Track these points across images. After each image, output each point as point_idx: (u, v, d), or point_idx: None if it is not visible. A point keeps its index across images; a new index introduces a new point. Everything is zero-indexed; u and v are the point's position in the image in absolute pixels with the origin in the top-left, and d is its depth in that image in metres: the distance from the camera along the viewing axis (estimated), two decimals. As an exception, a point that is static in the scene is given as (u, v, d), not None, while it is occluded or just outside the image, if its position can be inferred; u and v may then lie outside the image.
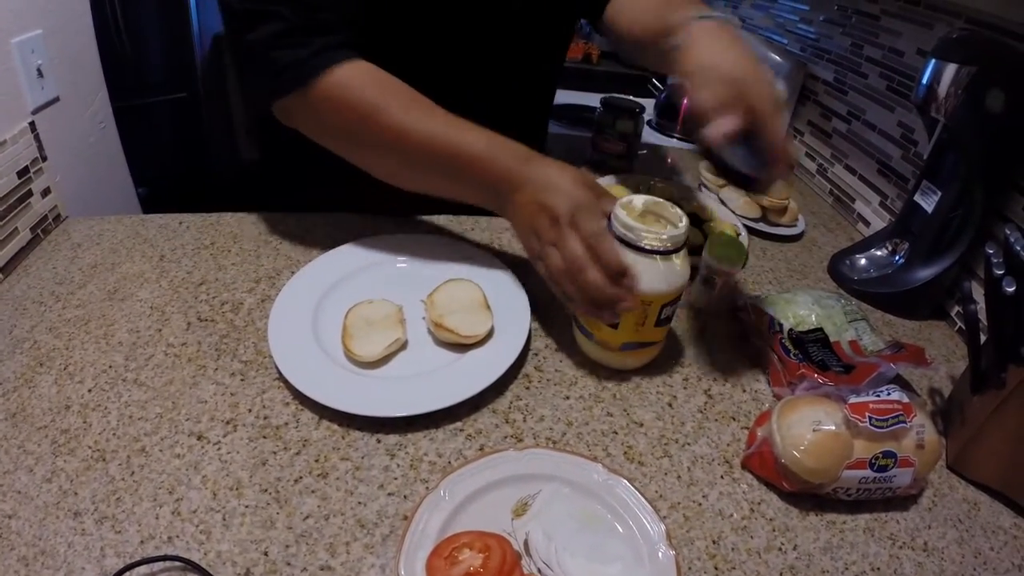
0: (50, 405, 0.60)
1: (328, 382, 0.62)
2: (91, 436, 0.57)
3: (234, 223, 0.89)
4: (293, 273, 0.76)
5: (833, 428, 0.56)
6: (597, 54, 2.61)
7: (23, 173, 0.80)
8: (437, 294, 0.72)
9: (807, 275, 0.96)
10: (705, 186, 1.15)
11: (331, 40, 0.70)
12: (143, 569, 0.47)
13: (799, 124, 1.32)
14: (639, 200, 0.67)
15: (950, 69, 0.77)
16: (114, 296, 0.74)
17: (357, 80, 0.70)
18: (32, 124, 0.83)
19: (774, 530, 0.56)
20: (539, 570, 0.48)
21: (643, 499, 0.54)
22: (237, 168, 2.42)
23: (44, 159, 0.85)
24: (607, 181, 1.07)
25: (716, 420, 0.66)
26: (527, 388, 0.67)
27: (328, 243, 0.84)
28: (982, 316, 0.64)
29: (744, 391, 0.71)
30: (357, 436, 0.60)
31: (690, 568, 0.52)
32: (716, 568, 0.52)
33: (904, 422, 0.57)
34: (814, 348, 0.69)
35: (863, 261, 0.95)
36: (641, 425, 0.65)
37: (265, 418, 0.60)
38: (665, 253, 0.62)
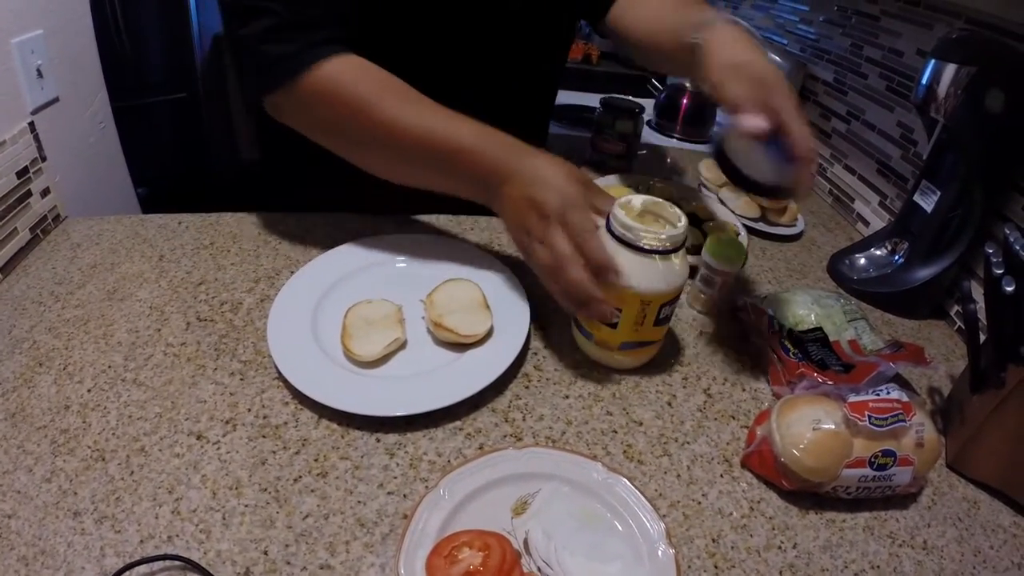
0: (49, 405, 0.60)
1: (327, 382, 0.62)
2: (90, 436, 0.57)
3: (233, 223, 0.89)
4: (292, 273, 0.76)
5: (833, 427, 0.56)
6: (597, 55, 2.62)
7: (22, 173, 0.80)
8: (436, 294, 0.72)
9: (806, 275, 0.96)
10: (704, 186, 1.15)
11: (322, 36, 0.70)
12: (143, 568, 0.47)
13: (798, 124, 1.32)
14: (638, 200, 0.67)
15: (950, 69, 0.77)
16: (113, 296, 0.74)
17: (347, 74, 0.70)
18: (32, 124, 0.83)
19: (774, 528, 0.56)
20: (539, 569, 0.48)
21: (643, 498, 0.54)
22: (237, 168, 2.42)
23: (43, 159, 0.85)
24: (608, 181, 1.07)
25: (715, 419, 0.66)
26: (526, 387, 0.67)
27: (327, 243, 0.84)
28: (981, 315, 0.64)
29: (743, 390, 0.71)
30: (356, 435, 0.60)
31: (690, 566, 0.52)
32: (716, 566, 0.52)
33: (903, 421, 0.57)
34: (813, 347, 0.69)
35: (862, 261, 0.95)
36: (640, 424, 0.65)
37: (264, 417, 0.60)
38: (664, 253, 0.62)
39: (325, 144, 0.75)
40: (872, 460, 0.56)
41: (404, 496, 0.55)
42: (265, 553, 0.49)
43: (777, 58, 1.33)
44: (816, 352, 0.69)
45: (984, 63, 0.75)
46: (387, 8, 0.79)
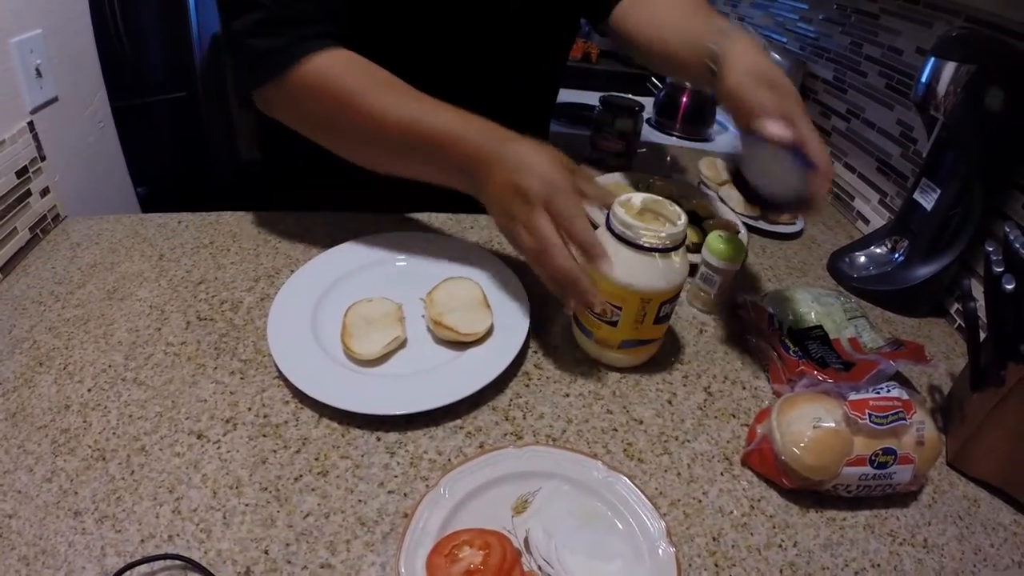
0: (50, 405, 0.60)
1: (328, 380, 0.62)
2: (91, 435, 0.57)
3: (233, 222, 0.89)
4: (292, 272, 0.76)
5: (833, 425, 0.56)
6: (596, 53, 2.61)
7: (22, 173, 0.80)
8: (436, 292, 0.72)
9: (806, 273, 0.96)
10: (704, 184, 1.15)
11: (312, 30, 0.71)
12: (144, 568, 0.47)
13: (798, 122, 1.32)
14: (638, 198, 0.67)
15: (949, 67, 0.77)
16: (113, 295, 0.74)
17: (336, 68, 0.71)
18: (31, 124, 0.83)
19: (774, 527, 0.56)
20: (539, 567, 0.48)
21: (643, 496, 0.54)
22: (236, 167, 2.42)
23: (43, 159, 0.85)
24: (608, 179, 1.07)
25: (716, 417, 0.66)
26: (527, 386, 0.67)
27: (327, 242, 0.84)
28: (981, 313, 0.64)
29: (744, 388, 0.71)
30: (357, 434, 0.60)
31: (690, 565, 0.52)
32: (716, 565, 0.52)
33: (904, 419, 0.57)
34: (814, 345, 0.69)
35: (862, 259, 0.95)
36: (641, 422, 0.65)
37: (265, 416, 0.60)
38: (664, 251, 0.62)
39: (315, 138, 0.75)
40: (872, 458, 0.56)
41: (405, 495, 0.55)
42: (266, 552, 0.49)
43: (776, 56, 1.33)
44: (816, 350, 0.69)
45: (984, 61, 0.75)
46: (387, 6, 0.79)
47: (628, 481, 0.55)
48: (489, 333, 0.69)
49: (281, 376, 0.64)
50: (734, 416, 0.67)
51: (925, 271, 0.87)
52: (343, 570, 0.48)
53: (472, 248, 0.84)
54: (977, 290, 0.81)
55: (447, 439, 0.60)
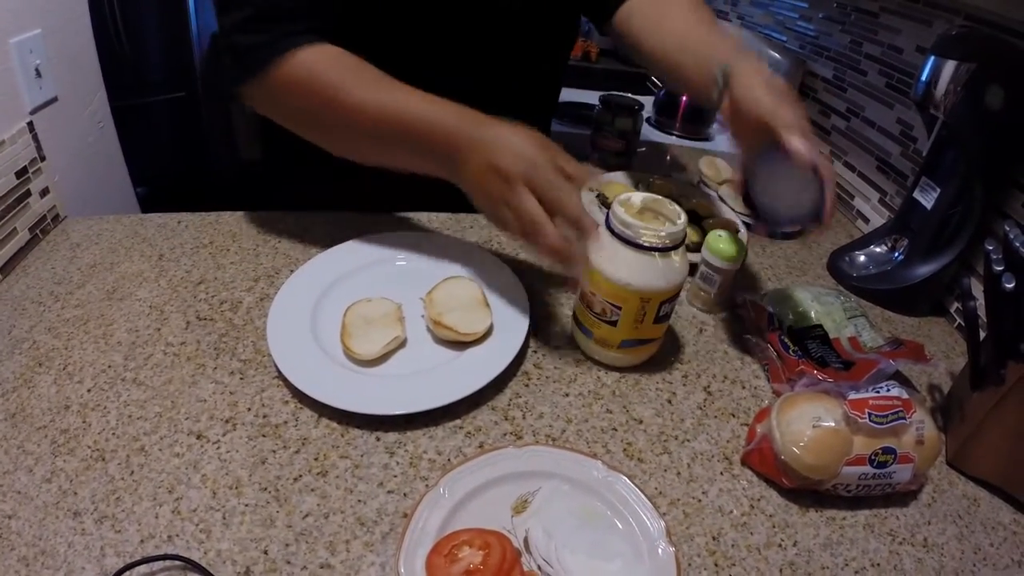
0: (49, 405, 0.60)
1: (327, 380, 0.62)
2: (90, 436, 0.57)
3: (233, 222, 0.89)
4: (292, 272, 0.76)
5: (833, 424, 0.56)
6: (596, 52, 2.61)
7: (22, 173, 0.80)
8: (436, 292, 0.72)
9: (806, 272, 0.96)
10: (704, 183, 1.15)
11: (296, 27, 0.71)
12: (143, 568, 0.47)
13: (798, 121, 1.32)
14: (637, 197, 0.67)
15: (949, 66, 0.77)
16: (113, 296, 0.74)
17: (318, 62, 0.71)
18: (30, 124, 0.83)
19: (774, 526, 0.56)
20: (539, 567, 0.48)
21: (643, 496, 0.54)
22: (236, 167, 2.42)
23: (43, 159, 0.85)
24: (607, 178, 1.07)
25: (715, 417, 0.66)
26: (526, 385, 0.67)
27: (327, 241, 0.84)
28: (981, 312, 0.64)
29: (743, 388, 0.71)
30: (356, 434, 0.60)
31: (690, 564, 0.52)
32: (716, 564, 0.52)
33: (904, 418, 0.57)
34: (813, 344, 0.69)
35: (862, 258, 0.95)
36: (640, 422, 0.65)
37: (264, 417, 0.60)
38: (664, 250, 0.62)
39: (301, 133, 0.76)
40: (872, 458, 0.56)
41: (404, 495, 0.55)
42: (265, 552, 0.49)
43: (776, 54, 1.33)
44: (816, 349, 0.69)
45: (983, 60, 0.75)
46: (388, 6, 0.79)
47: (628, 481, 0.55)
48: (489, 333, 0.69)
49: (280, 376, 0.64)
50: (734, 415, 0.67)
51: (925, 270, 0.87)
52: (343, 570, 0.48)
53: (472, 248, 0.84)
54: (977, 289, 0.81)
55: (447, 439, 0.60)
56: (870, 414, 0.56)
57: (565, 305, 0.79)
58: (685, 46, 0.82)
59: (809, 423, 0.56)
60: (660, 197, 0.67)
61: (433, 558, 0.47)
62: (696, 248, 0.82)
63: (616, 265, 0.63)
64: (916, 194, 0.88)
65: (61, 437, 0.57)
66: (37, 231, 0.82)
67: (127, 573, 0.46)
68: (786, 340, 0.70)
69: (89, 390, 0.62)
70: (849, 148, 1.16)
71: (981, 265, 0.83)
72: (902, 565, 0.54)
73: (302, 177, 0.97)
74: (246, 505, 0.52)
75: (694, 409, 0.67)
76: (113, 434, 0.58)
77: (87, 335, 0.68)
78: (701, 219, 0.95)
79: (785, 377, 0.67)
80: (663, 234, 0.61)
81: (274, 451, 0.57)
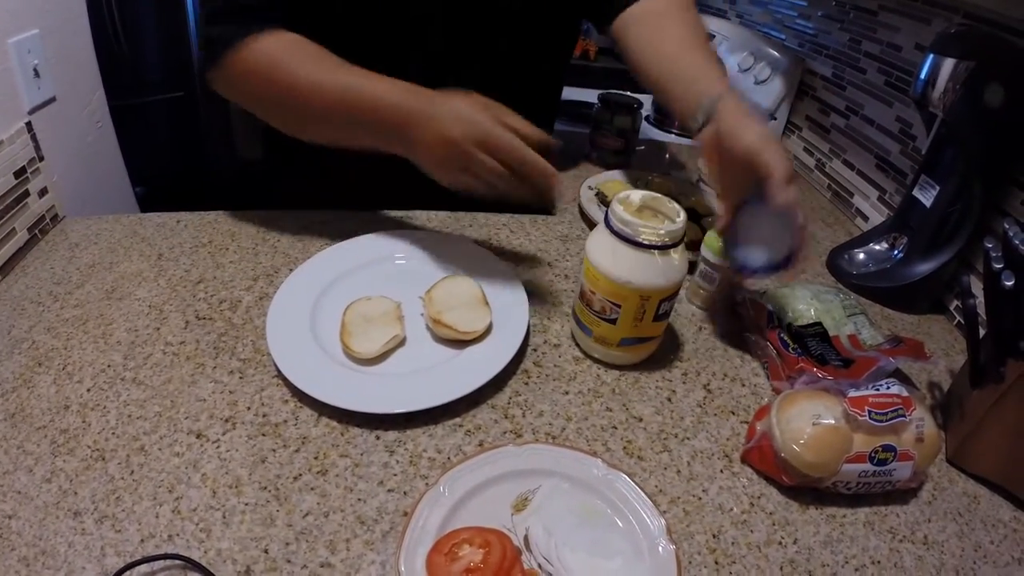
0: (49, 405, 0.60)
1: (327, 379, 0.62)
2: (90, 436, 0.57)
3: (232, 221, 0.89)
4: (291, 271, 0.76)
5: (832, 422, 0.56)
6: (595, 50, 2.61)
7: (20, 173, 0.80)
8: (435, 290, 0.72)
9: (806, 270, 0.96)
10: (703, 181, 1.15)
11: (260, 17, 0.74)
12: (144, 568, 0.47)
13: (797, 120, 1.32)
14: (636, 195, 0.67)
15: (948, 64, 0.77)
16: (112, 295, 0.74)
17: (276, 49, 0.73)
18: (29, 124, 0.83)
19: (774, 524, 0.56)
20: (539, 565, 0.48)
21: (643, 494, 0.54)
22: (235, 167, 2.41)
23: (41, 159, 0.85)
24: (606, 177, 1.07)
25: (715, 414, 0.66)
26: (526, 384, 0.67)
27: (326, 240, 0.84)
28: (981, 310, 0.64)
29: (743, 385, 0.71)
30: (356, 433, 0.60)
31: (690, 562, 0.52)
32: (716, 562, 0.52)
33: (903, 416, 0.57)
34: (813, 342, 0.69)
35: (862, 256, 0.95)
36: (640, 420, 0.65)
37: (264, 416, 0.60)
38: (663, 248, 0.62)
39: (266, 119, 0.79)
40: (872, 455, 0.56)
41: (404, 493, 0.55)
42: (265, 551, 0.49)
43: (775, 53, 1.33)
44: (816, 347, 0.69)
45: (983, 58, 0.75)
46: (384, 5, 0.79)
47: (628, 479, 0.55)
48: (488, 331, 0.69)
49: (280, 375, 0.64)
50: (733, 413, 0.67)
51: (924, 268, 0.87)
52: (343, 569, 0.48)
53: (471, 246, 0.84)
54: (976, 287, 0.81)
55: (446, 437, 0.60)
56: (870, 412, 0.56)
57: (565, 303, 0.79)
58: (674, 71, 0.83)
59: (809, 421, 0.56)
60: (659, 195, 0.67)
61: (433, 556, 0.47)
62: (695, 246, 0.82)
63: (615, 263, 0.63)
64: (915, 192, 0.88)
65: (61, 437, 0.57)
66: (36, 231, 0.82)
67: (127, 573, 0.46)
68: (786, 338, 0.70)
69: (89, 390, 0.62)
70: (848, 146, 1.16)
71: (981, 263, 0.83)
72: (902, 563, 0.54)
73: (301, 176, 0.97)
74: (246, 504, 0.52)
75: (694, 407, 0.67)
76: (113, 434, 0.57)
77: (86, 335, 0.68)
78: (700, 217, 0.95)
79: (785, 375, 0.67)
80: (662, 232, 0.61)
81: (274, 450, 0.57)
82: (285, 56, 0.73)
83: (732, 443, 0.63)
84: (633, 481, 0.55)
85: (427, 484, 0.55)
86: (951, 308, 0.90)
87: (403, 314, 0.70)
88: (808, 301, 0.77)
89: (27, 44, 0.85)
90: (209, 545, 0.49)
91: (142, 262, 0.79)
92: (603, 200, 0.99)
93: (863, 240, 0.97)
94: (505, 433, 0.61)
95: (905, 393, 0.58)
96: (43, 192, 0.85)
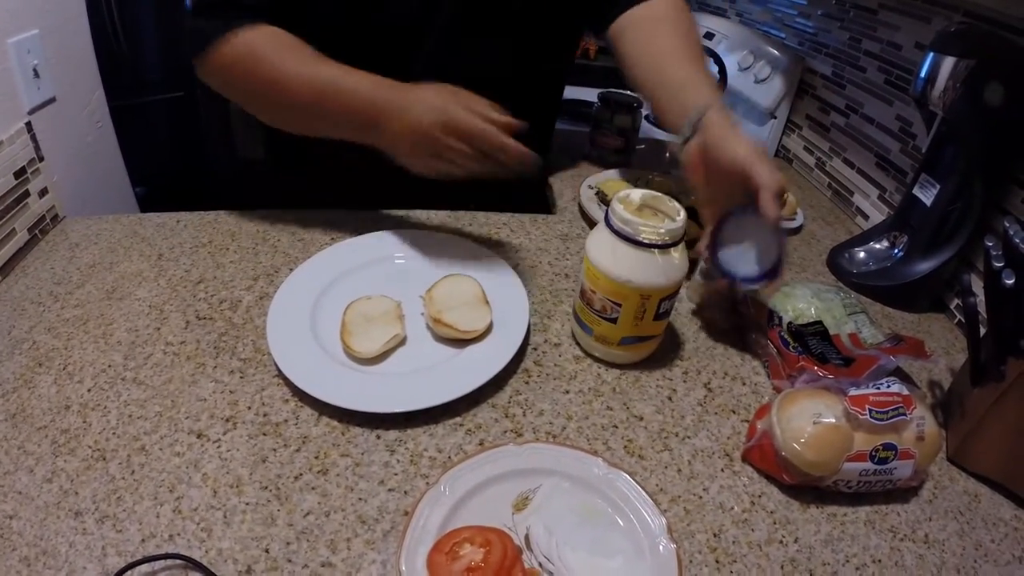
0: (50, 405, 0.60)
1: (327, 379, 0.62)
2: (91, 436, 0.57)
3: (232, 221, 0.89)
4: (291, 270, 0.76)
5: (833, 421, 0.56)
6: (594, 49, 2.61)
7: (20, 174, 0.80)
8: (436, 290, 0.72)
9: (806, 268, 0.96)
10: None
11: (241, 9, 0.75)
12: (145, 568, 0.47)
13: (797, 118, 1.32)
14: (636, 194, 0.67)
15: (948, 62, 0.77)
16: (112, 295, 0.74)
17: (257, 42, 0.75)
18: (29, 124, 0.83)
19: (775, 523, 0.56)
20: (540, 564, 0.48)
21: (644, 493, 0.54)
22: (235, 167, 2.41)
23: (41, 159, 0.85)
24: (606, 176, 1.07)
25: (716, 413, 0.66)
26: (526, 383, 0.67)
27: (326, 240, 0.84)
28: (981, 309, 0.64)
29: (744, 384, 0.71)
30: (357, 432, 0.59)
31: (691, 561, 0.52)
32: (717, 561, 0.52)
33: (904, 414, 0.57)
34: (813, 341, 0.69)
35: (862, 254, 0.95)
36: (641, 419, 0.65)
37: (265, 415, 0.60)
38: (663, 247, 0.62)
39: (249, 109, 0.81)
40: (873, 454, 0.56)
41: (405, 493, 0.55)
42: (266, 551, 0.49)
43: (775, 51, 1.33)
44: (816, 346, 0.69)
45: (983, 56, 0.75)
46: (385, 6, 0.79)
47: (628, 478, 0.55)
48: (488, 330, 0.69)
49: (281, 375, 0.64)
50: (734, 412, 0.67)
51: (925, 266, 0.86)
52: (344, 568, 0.48)
53: (471, 245, 0.84)
54: (977, 285, 0.81)
55: (447, 436, 0.60)
56: (871, 410, 0.56)
57: (565, 302, 0.79)
58: (663, 80, 0.83)
59: (810, 419, 0.56)
60: (659, 194, 0.67)
61: (434, 556, 0.47)
62: (695, 244, 0.82)
63: (616, 262, 0.63)
64: (916, 190, 0.88)
65: (62, 437, 0.57)
66: (36, 231, 0.82)
67: (129, 573, 0.46)
68: (786, 336, 0.70)
69: (89, 390, 0.62)
70: (848, 144, 1.15)
71: (981, 261, 0.83)
72: (903, 561, 0.54)
73: (301, 176, 0.97)
74: (247, 504, 0.52)
75: (694, 406, 0.67)
76: (114, 434, 0.57)
77: (87, 335, 0.68)
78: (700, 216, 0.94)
79: (785, 373, 0.67)
80: (663, 231, 0.61)
81: (275, 450, 0.57)
82: (267, 49, 0.74)
83: (733, 442, 0.63)
84: (634, 480, 0.55)
85: (428, 483, 0.55)
86: (951, 307, 0.90)
87: (403, 313, 0.70)
88: (809, 300, 0.77)
89: (27, 44, 0.85)
90: (210, 545, 0.49)
91: (142, 262, 0.79)
92: (603, 199, 0.99)
93: (863, 239, 0.97)
94: (506, 432, 0.61)
95: (906, 392, 0.58)
96: (43, 192, 0.85)
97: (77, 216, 0.89)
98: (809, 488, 0.58)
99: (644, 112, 1.35)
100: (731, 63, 1.38)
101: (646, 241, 0.62)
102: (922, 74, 0.80)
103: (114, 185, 1.16)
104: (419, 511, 0.50)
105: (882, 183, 1.06)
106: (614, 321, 0.66)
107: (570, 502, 0.53)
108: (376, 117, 0.71)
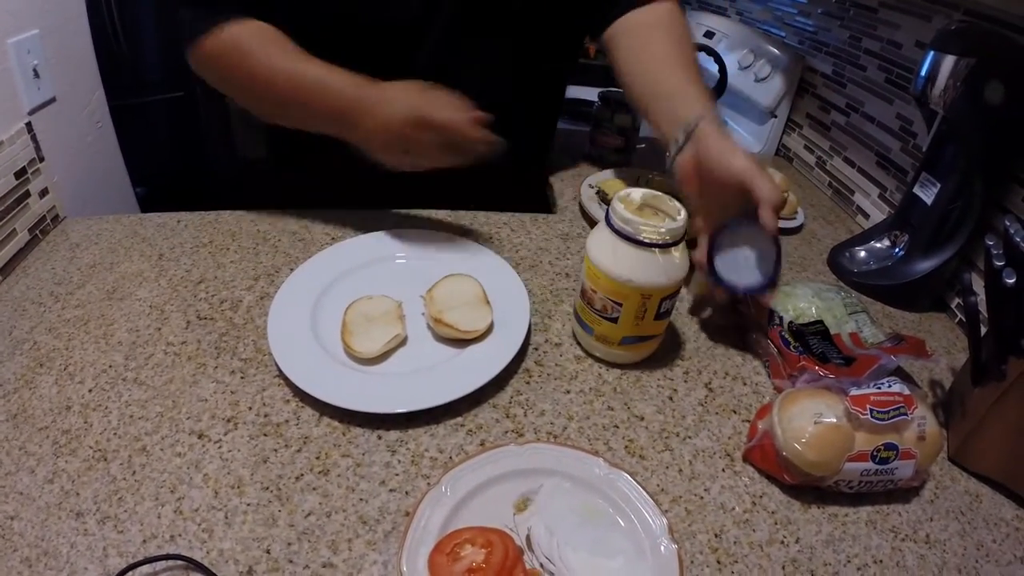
0: (51, 406, 0.60)
1: (328, 379, 0.62)
2: (92, 436, 0.57)
3: (232, 221, 0.89)
4: (292, 270, 0.76)
5: (834, 420, 0.56)
6: (594, 48, 2.61)
7: (21, 174, 0.80)
8: (436, 289, 0.72)
9: (807, 268, 0.96)
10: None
11: (231, 4, 0.77)
12: (146, 568, 0.47)
13: (798, 117, 1.32)
14: (637, 194, 0.67)
15: (948, 61, 0.77)
16: (113, 296, 0.74)
17: (242, 35, 0.77)
18: (29, 125, 0.83)
19: (776, 523, 0.56)
20: (541, 565, 0.48)
21: (644, 493, 0.54)
22: (235, 166, 2.41)
23: (42, 159, 0.85)
24: (609, 174, 1.07)
25: (717, 413, 0.66)
26: (527, 383, 0.67)
27: (326, 240, 0.84)
28: (982, 308, 0.64)
29: (745, 384, 0.71)
30: (358, 432, 0.59)
31: (692, 562, 0.52)
32: (718, 562, 0.52)
33: (905, 414, 0.56)
34: (814, 340, 0.69)
35: (863, 253, 0.95)
36: (642, 419, 0.64)
37: (266, 416, 0.60)
38: (664, 246, 0.62)
39: (234, 98, 0.83)
40: (874, 454, 0.56)
41: (406, 493, 0.55)
42: (268, 552, 0.49)
43: (775, 50, 1.33)
44: (817, 345, 0.68)
45: (983, 55, 0.75)
46: (386, 7, 0.79)
47: (629, 478, 0.55)
48: (489, 330, 0.69)
49: (281, 375, 0.64)
50: (735, 412, 0.67)
51: (925, 266, 0.86)
52: (345, 569, 0.48)
53: (472, 245, 0.84)
54: (978, 284, 0.81)
55: (448, 437, 0.60)
56: (872, 410, 0.56)
57: (566, 302, 0.79)
58: (657, 91, 0.83)
59: (811, 419, 0.56)
60: (660, 193, 0.67)
61: (435, 556, 0.47)
62: (696, 244, 0.82)
63: (616, 261, 0.63)
64: (916, 189, 0.88)
65: (63, 438, 0.57)
66: (37, 232, 0.82)
67: (130, 573, 0.46)
68: (787, 336, 0.70)
69: (90, 390, 0.62)
70: (849, 143, 1.15)
71: (982, 260, 0.83)
72: (904, 562, 0.54)
73: (301, 175, 0.97)
74: (248, 504, 0.52)
75: (695, 406, 0.67)
76: (115, 434, 0.57)
77: (88, 335, 0.68)
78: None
79: (786, 373, 0.67)
80: (663, 230, 0.61)
81: (276, 450, 0.57)
82: (252, 44, 0.76)
83: (734, 442, 0.63)
84: (635, 480, 0.55)
85: (429, 484, 0.55)
86: (952, 306, 0.90)
87: (404, 313, 0.70)
88: (809, 299, 0.77)
89: (27, 44, 0.85)
90: (211, 545, 0.49)
91: (143, 262, 0.79)
92: (604, 198, 0.99)
93: (864, 238, 0.97)
94: (507, 432, 0.61)
95: (907, 391, 0.58)
96: (44, 193, 0.85)
97: (77, 216, 0.89)
98: (810, 488, 0.58)
99: (644, 111, 1.35)
100: (731, 62, 1.38)
101: (647, 240, 0.61)
102: (922, 73, 0.80)
103: (114, 185, 1.16)
104: (420, 512, 0.50)
105: (883, 182, 1.06)
106: (615, 321, 0.66)
107: (571, 502, 0.53)
108: (350, 114, 0.73)
